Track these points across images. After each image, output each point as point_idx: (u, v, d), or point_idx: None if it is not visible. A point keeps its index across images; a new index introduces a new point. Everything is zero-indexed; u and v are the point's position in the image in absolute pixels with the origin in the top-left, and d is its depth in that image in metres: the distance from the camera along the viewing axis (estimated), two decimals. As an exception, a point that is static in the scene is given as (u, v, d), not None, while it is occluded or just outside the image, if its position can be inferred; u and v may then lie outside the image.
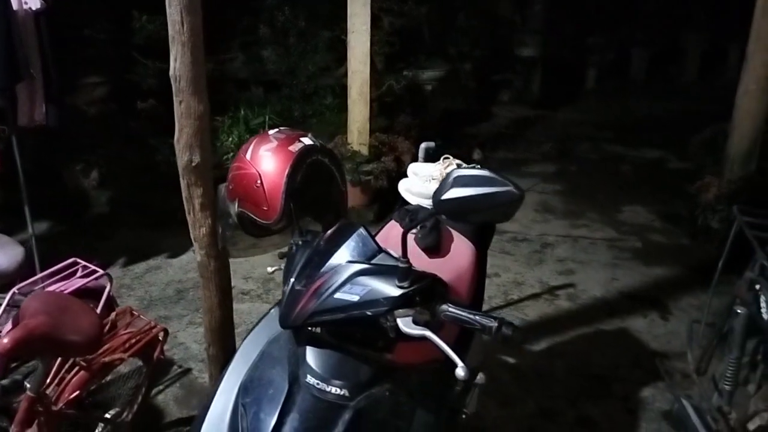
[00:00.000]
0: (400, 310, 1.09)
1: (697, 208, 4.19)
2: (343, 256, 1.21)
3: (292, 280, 1.25)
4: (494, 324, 1.08)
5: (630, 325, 3.17)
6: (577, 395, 2.66)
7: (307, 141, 1.47)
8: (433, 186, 2.10)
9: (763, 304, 1.86)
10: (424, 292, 1.12)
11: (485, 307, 3.30)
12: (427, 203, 2.11)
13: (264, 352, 1.22)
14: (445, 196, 1.11)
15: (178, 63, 1.79)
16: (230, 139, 4.29)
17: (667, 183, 5.27)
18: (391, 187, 4.32)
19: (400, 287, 1.10)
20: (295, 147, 1.43)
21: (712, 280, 2.38)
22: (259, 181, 1.40)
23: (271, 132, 1.49)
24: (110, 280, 2.36)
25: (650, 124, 7.20)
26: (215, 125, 4.50)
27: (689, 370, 2.41)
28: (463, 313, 1.11)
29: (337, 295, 1.12)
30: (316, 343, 1.18)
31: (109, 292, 2.32)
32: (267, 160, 1.41)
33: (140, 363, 2.16)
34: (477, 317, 1.10)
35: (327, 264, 1.21)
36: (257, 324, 1.31)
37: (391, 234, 2.00)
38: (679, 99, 8.11)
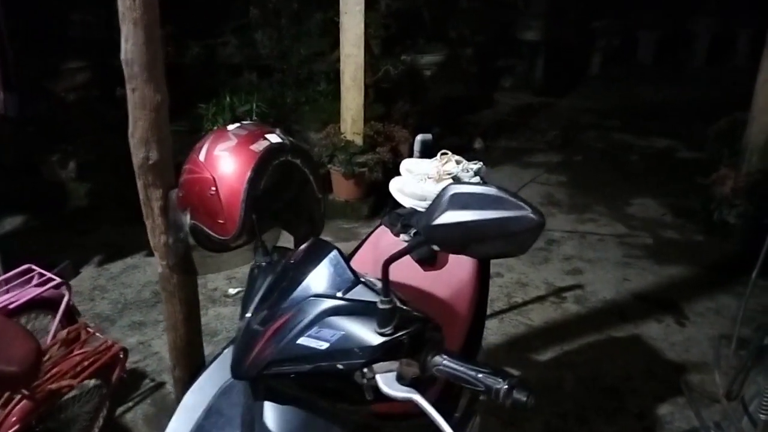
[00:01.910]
0: (381, 364, 0.84)
1: (711, 202, 3.94)
2: (311, 288, 0.96)
3: (248, 315, 1.00)
4: (504, 386, 0.83)
5: (643, 332, 2.92)
6: (588, 411, 2.42)
7: (274, 138, 1.21)
8: (429, 186, 1.86)
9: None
10: (413, 340, 0.87)
11: (487, 312, 3.06)
12: (421, 206, 1.86)
13: (212, 407, 0.98)
14: (439, 221, 0.85)
15: (129, 44, 1.53)
16: (215, 128, 4.02)
17: (677, 174, 5.01)
18: (387, 180, 4.07)
19: (381, 334, 0.85)
20: (259, 146, 1.17)
21: (744, 293, 2.12)
22: (214, 188, 1.15)
23: (230, 127, 1.23)
24: (69, 289, 2.12)
25: (658, 111, 6.91)
26: (199, 113, 4.24)
27: (714, 388, 2.17)
28: (463, 369, 0.86)
29: (302, 341, 0.88)
30: (277, 397, 0.93)
31: (67, 303, 2.07)
32: (224, 162, 1.16)
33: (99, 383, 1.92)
34: (481, 376, 0.85)
35: (291, 297, 0.96)
36: (207, 367, 1.07)
37: (381, 242, 1.75)
38: (687, 85, 7.82)
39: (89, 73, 5.08)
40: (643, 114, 6.83)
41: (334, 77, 4.97)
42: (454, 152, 5.47)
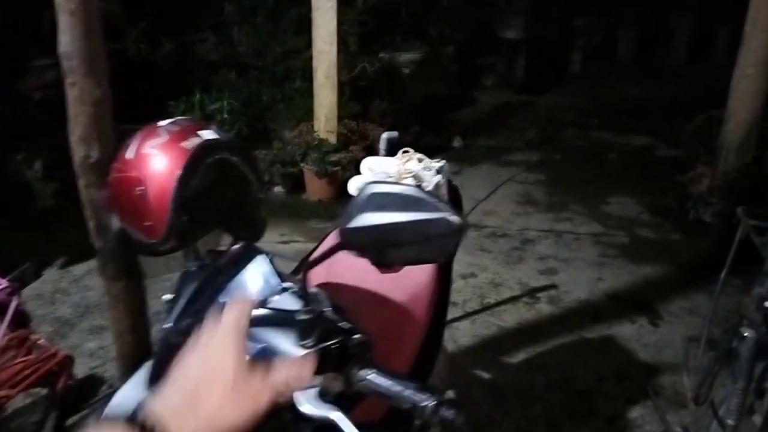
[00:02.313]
0: (301, 380, 0.77)
1: (688, 201, 3.91)
2: (236, 295, 0.89)
3: (169, 325, 0.93)
4: (430, 403, 0.77)
5: (617, 332, 2.88)
6: (558, 415, 2.37)
7: (208, 135, 1.13)
8: (392, 168, 1.79)
9: (774, 325, 1.57)
10: (337, 353, 0.81)
11: (459, 313, 3.01)
12: (381, 205, 1.80)
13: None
14: (354, 224, 0.79)
15: (66, 37, 1.45)
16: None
17: (655, 172, 4.98)
18: (361, 179, 4.00)
19: (303, 346, 0.78)
20: (191, 142, 1.10)
21: (714, 293, 2.08)
22: (141, 188, 1.07)
23: (162, 123, 1.15)
24: (18, 294, 2.03)
25: (638, 108, 6.90)
26: (168, 110, 4.14)
27: (684, 391, 2.13)
28: (389, 384, 0.80)
29: None
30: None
31: (15, 309, 1.98)
32: (152, 160, 1.08)
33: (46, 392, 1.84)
34: (408, 392, 0.78)
35: (213, 306, 0.89)
36: (127, 381, 0.99)
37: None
38: (667, 82, 7.83)
39: (58, 72, 4.96)
40: (623, 112, 6.82)
41: (309, 75, 4.88)
42: (433, 151, 5.42)
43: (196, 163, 1.09)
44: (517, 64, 8.14)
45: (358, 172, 3.95)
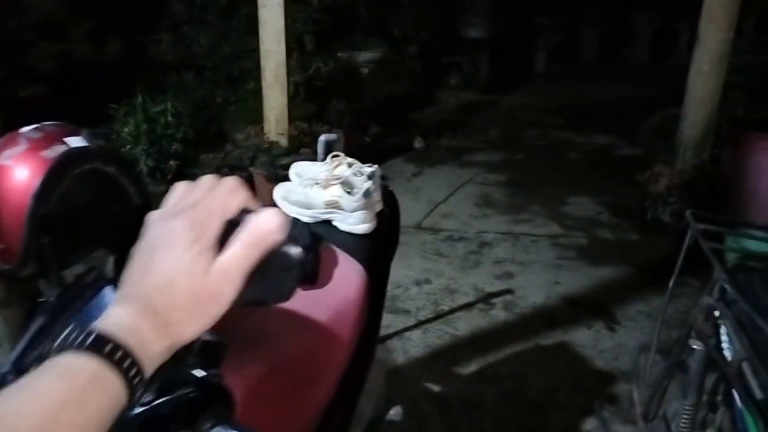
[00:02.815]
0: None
1: (646, 200, 3.86)
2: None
3: (6, 369, 0.79)
4: None
5: (573, 339, 2.79)
6: (509, 430, 2.26)
7: (75, 142, 0.99)
8: (316, 193, 1.66)
9: (724, 337, 1.48)
10: (185, 408, 0.67)
11: (411, 322, 2.89)
12: (307, 215, 1.66)
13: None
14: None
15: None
16: (126, 129, 3.75)
17: (616, 171, 4.93)
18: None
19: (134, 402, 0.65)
20: (53, 151, 0.95)
21: (663, 300, 1.99)
22: (-9, 206, 0.92)
23: (24, 130, 1.00)
24: None
25: (600, 107, 6.89)
26: (110, 113, 3.95)
27: (637, 404, 2.03)
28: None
29: None
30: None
31: None
32: (7, 173, 0.93)
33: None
34: None
35: (55, 345, 0.74)
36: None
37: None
38: (630, 81, 7.85)
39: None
40: (586, 111, 6.80)
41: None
42: (394, 152, 5.29)
43: (57, 175, 0.95)
44: (481, 64, 8.09)
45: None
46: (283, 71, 3.76)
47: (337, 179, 1.65)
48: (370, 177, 1.69)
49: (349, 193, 1.63)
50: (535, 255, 3.56)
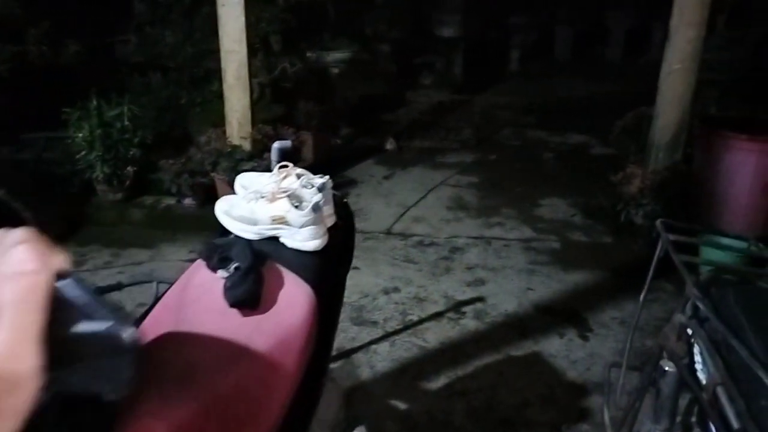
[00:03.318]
0: None
1: (619, 202, 3.79)
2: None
3: None
4: None
5: (544, 349, 2.69)
6: (478, 448, 2.16)
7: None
8: (261, 207, 1.53)
9: (698, 358, 1.38)
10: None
11: (378, 333, 2.78)
12: (252, 232, 1.53)
13: None
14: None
15: None
16: (80, 134, 3.58)
17: (589, 171, 4.87)
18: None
19: None
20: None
21: (635, 314, 1.90)
22: None
23: None
24: None
25: (574, 106, 6.84)
26: (64, 118, 3.77)
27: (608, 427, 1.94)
28: None
29: None
30: None
31: None
32: None
33: None
34: None
35: None
36: None
37: (193, 281, 1.42)
38: (604, 79, 7.81)
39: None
40: (560, 110, 6.74)
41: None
42: (366, 154, 5.11)
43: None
44: (455, 63, 8.01)
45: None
46: (245, 72, 3.61)
47: (284, 192, 1.52)
48: (321, 189, 1.57)
49: (297, 207, 1.51)
50: (507, 260, 3.47)
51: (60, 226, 3.56)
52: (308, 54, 5.48)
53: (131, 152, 3.69)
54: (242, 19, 3.49)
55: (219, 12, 3.51)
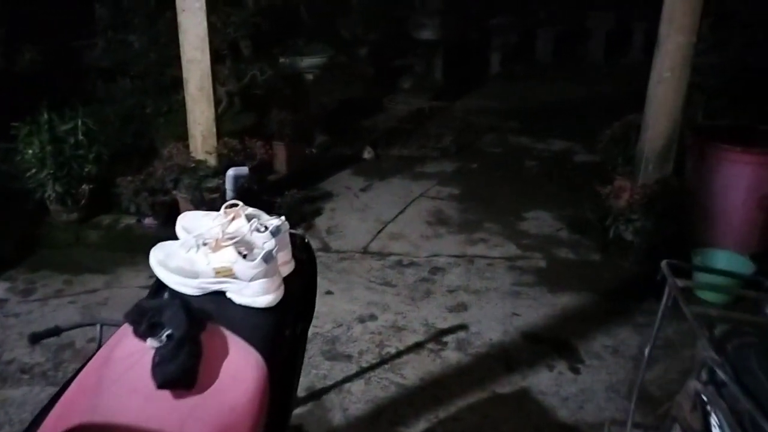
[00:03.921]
0: None
1: (608, 216, 3.60)
2: None
3: None
4: None
5: (533, 384, 2.49)
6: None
7: None
8: (203, 258, 1.30)
9: (715, 431, 1.18)
10: None
11: (353, 369, 2.55)
12: (192, 286, 1.30)
13: None
14: None
15: None
16: (30, 151, 3.30)
17: (574, 181, 4.69)
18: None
19: None
20: None
21: (648, 323, 1.69)
22: None
23: None
24: None
25: (557, 110, 6.66)
26: (12, 133, 3.49)
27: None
28: None
29: None
30: None
31: None
32: None
33: None
34: None
35: None
36: None
37: (117, 350, 1.18)
38: (586, 81, 7.68)
39: None
40: (542, 114, 6.56)
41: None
42: (342, 163, 4.78)
43: None
44: (434, 66, 7.82)
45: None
46: (208, 83, 3.36)
47: (230, 239, 1.29)
48: (275, 233, 1.34)
49: (245, 256, 1.28)
50: (491, 281, 3.26)
51: (8, 248, 3.29)
52: (281, 59, 5.23)
53: (86, 169, 3.42)
54: (204, 26, 3.24)
55: (179, 18, 3.26)
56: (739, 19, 5.50)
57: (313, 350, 2.65)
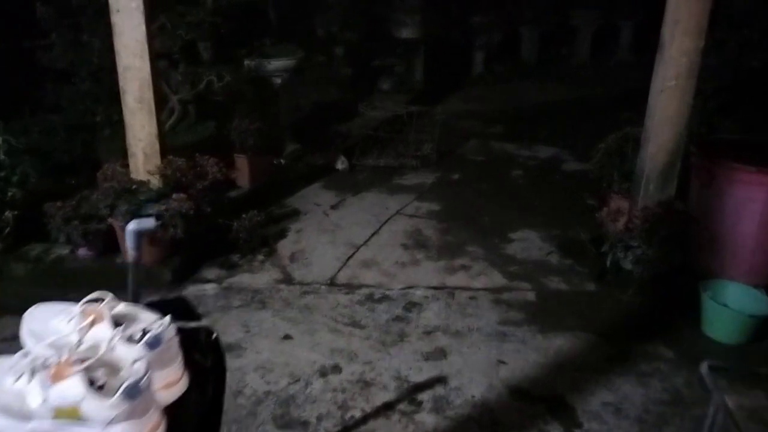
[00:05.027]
0: None
1: (602, 239, 3.23)
2: None
3: None
4: None
5: (523, 457, 2.10)
6: None
7: None
8: (35, 390, 0.88)
9: None
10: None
11: (308, 440, 2.13)
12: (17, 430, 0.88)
13: None
14: None
15: None
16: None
17: (564, 193, 4.34)
18: (190, 238, 3.06)
19: None
20: None
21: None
22: None
23: None
24: None
25: (543, 113, 6.31)
26: None
27: None
28: None
29: None
30: None
31: None
32: None
33: None
34: None
35: None
36: None
37: None
38: (572, 82, 7.35)
39: None
40: (528, 117, 6.20)
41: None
42: (314, 175, 4.22)
43: None
44: (415, 67, 7.43)
45: (186, 226, 2.79)
46: (149, 93, 2.93)
47: (81, 362, 0.87)
48: (153, 344, 0.93)
49: (101, 387, 0.87)
50: (474, 319, 2.87)
51: None
52: (246, 62, 4.79)
53: (10, 193, 2.97)
54: (143, 29, 2.80)
55: (113, 19, 2.82)
56: (736, 18, 5.15)
57: (263, 415, 2.24)
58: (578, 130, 5.47)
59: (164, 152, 3.08)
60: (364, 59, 7.28)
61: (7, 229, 3.01)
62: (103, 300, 0.98)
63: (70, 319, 0.95)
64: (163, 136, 3.08)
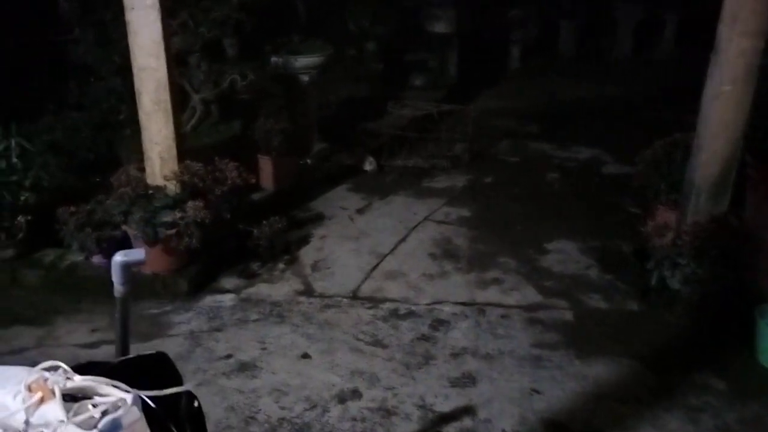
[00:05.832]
0: None
1: (646, 253, 2.99)
2: None
3: None
4: None
5: (558, 503, 1.90)
6: None
7: None
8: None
9: None
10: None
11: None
12: None
13: None
14: None
15: None
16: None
17: (605, 199, 4.08)
18: (204, 248, 2.92)
19: None
20: None
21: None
22: None
23: None
24: None
25: (582, 110, 6.00)
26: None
27: None
28: None
29: None
30: None
31: None
32: None
33: None
34: None
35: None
36: None
37: None
38: (612, 78, 7.00)
39: None
40: (566, 115, 5.91)
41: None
42: (341, 176, 3.99)
43: None
44: (448, 62, 7.21)
45: (202, 235, 2.63)
46: (166, 95, 2.79)
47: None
48: (116, 427, 0.76)
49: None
50: (506, 341, 2.67)
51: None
52: (273, 59, 4.64)
53: (22, 197, 2.88)
54: (159, 26, 2.66)
55: (127, 17, 2.69)
56: None
57: (274, 446, 2.09)
58: (619, 129, 5.19)
59: (182, 156, 2.94)
60: (396, 54, 7.10)
61: (20, 235, 2.92)
62: (59, 368, 0.82)
63: (16, 395, 0.80)
64: (180, 139, 2.94)
